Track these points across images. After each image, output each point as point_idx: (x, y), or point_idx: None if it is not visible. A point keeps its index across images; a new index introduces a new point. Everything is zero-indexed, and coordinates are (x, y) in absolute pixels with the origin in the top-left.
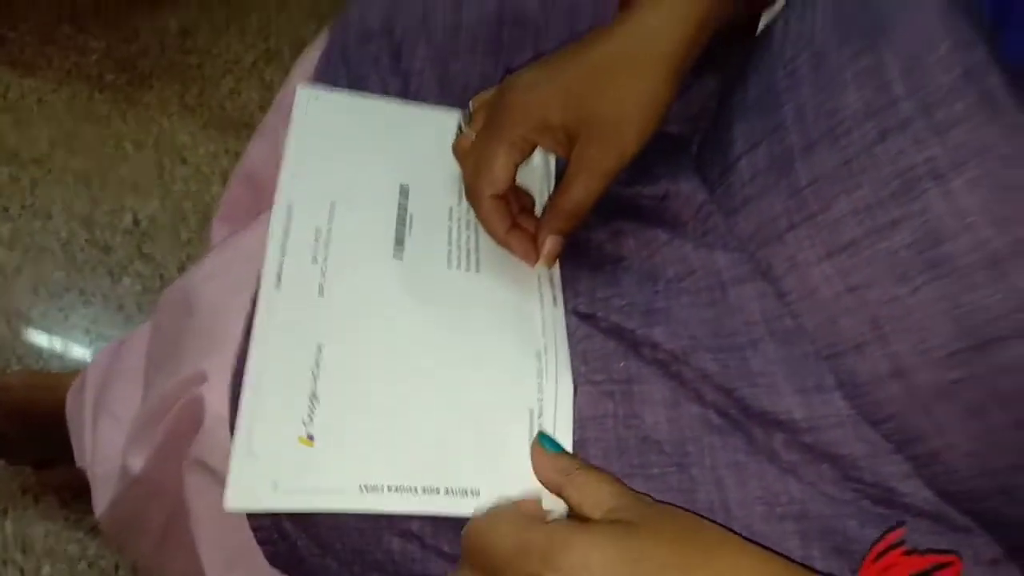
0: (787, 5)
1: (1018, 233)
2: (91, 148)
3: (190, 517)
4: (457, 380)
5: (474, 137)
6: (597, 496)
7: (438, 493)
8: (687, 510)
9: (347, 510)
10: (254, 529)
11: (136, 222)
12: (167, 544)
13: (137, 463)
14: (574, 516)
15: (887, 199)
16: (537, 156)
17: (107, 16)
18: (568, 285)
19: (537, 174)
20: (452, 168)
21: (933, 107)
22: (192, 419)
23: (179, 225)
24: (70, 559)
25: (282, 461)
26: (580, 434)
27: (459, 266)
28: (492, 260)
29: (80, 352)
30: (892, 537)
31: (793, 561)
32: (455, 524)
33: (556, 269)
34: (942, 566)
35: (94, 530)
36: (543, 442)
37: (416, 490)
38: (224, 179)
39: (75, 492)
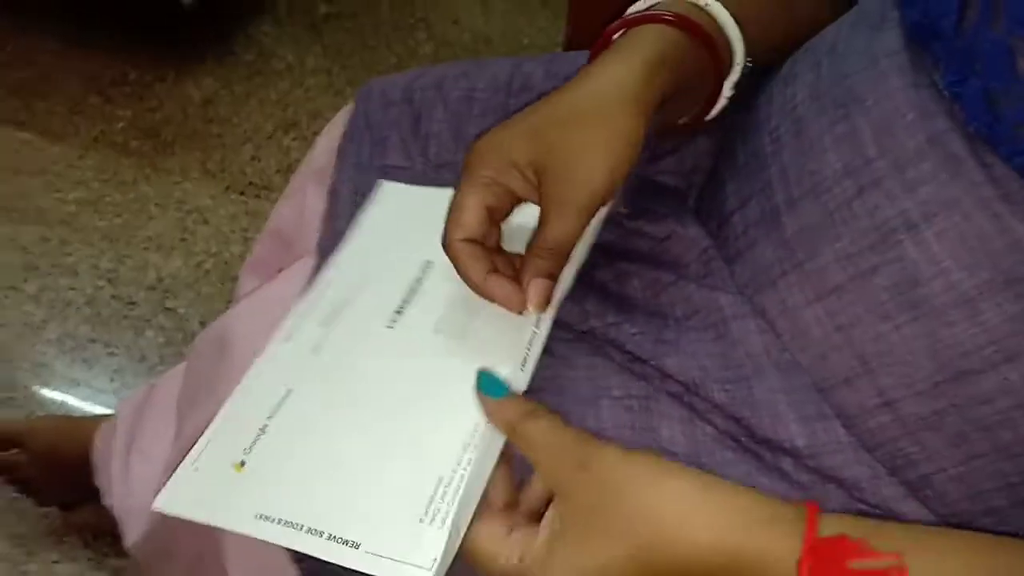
0: (771, 80)
1: (984, 276)
2: (117, 210)
3: (222, 548)
4: (386, 439)
5: None
6: (536, 454)
7: (320, 536)
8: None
9: (240, 532)
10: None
11: (159, 278)
12: (197, 574)
13: None
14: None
15: (866, 248)
16: (530, 220)
17: (133, 87)
18: (577, 306)
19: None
20: None
21: (903, 167)
22: None
23: (201, 281)
24: None
25: (213, 479)
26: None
27: (445, 332)
28: (479, 328)
29: (104, 400)
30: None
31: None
32: None
33: (541, 337)
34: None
35: (116, 571)
36: (485, 389)
37: (301, 528)
38: (244, 238)
39: (97, 532)
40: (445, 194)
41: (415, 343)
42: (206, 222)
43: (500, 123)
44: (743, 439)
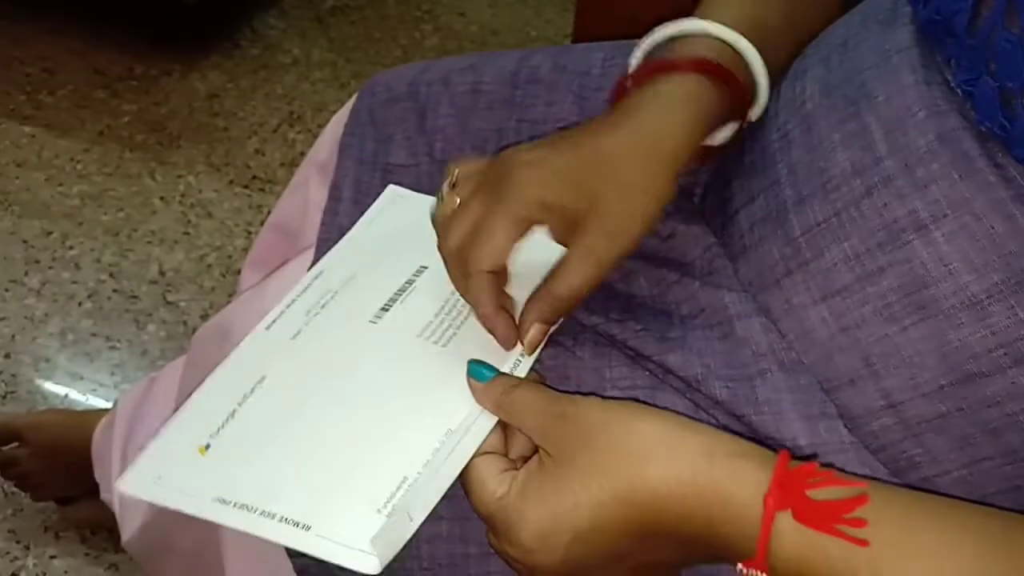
0: (779, 76)
1: (994, 278)
2: (120, 204)
3: (220, 543)
4: (355, 432)
5: (457, 204)
6: (523, 420)
7: (272, 519)
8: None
9: (197, 516)
10: None
11: (162, 272)
12: (195, 570)
13: None
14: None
15: (875, 248)
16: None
17: (139, 81)
18: (582, 307)
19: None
20: None
21: (913, 166)
22: None
23: (203, 275)
24: None
25: (175, 461)
26: None
27: (429, 338)
28: (464, 340)
29: (105, 394)
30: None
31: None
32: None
33: (524, 367)
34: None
35: (113, 566)
36: (474, 373)
37: (255, 511)
38: (247, 233)
39: (95, 528)
40: None
41: (397, 343)
42: (210, 216)
43: (534, 145)
44: (744, 436)
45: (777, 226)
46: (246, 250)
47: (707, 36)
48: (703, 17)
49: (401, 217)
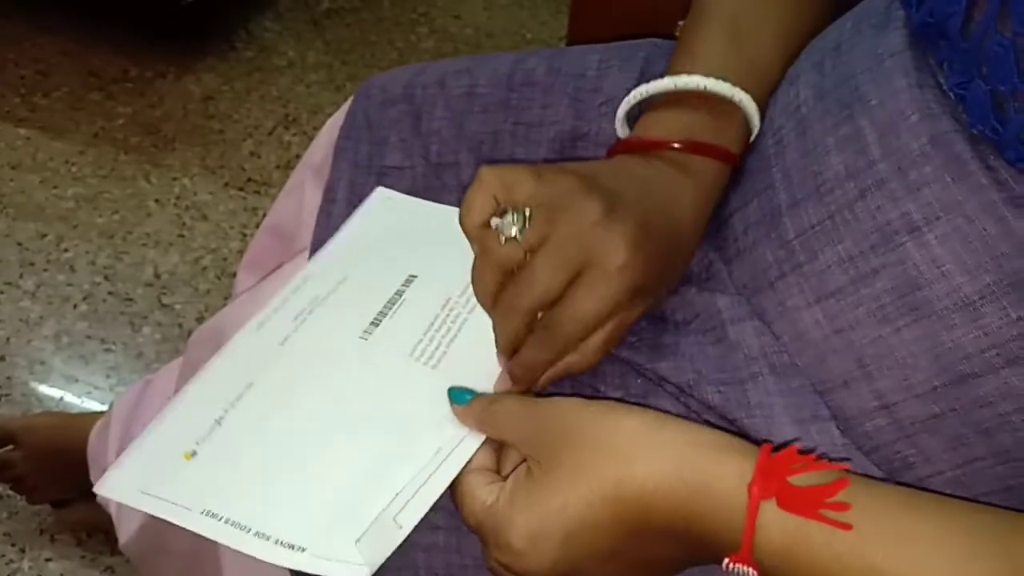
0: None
1: (987, 279)
2: (115, 206)
3: (217, 545)
4: (347, 452)
5: (525, 247)
6: (505, 432)
7: (267, 540)
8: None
9: (186, 527)
10: None
11: (157, 275)
12: (192, 571)
13: None
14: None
15: (868, 250)
16: None
17: (134, 84)
18: None
19: None
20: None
21: (906, 169)
22: None
23: (198, 277)
24: None
25: (159, 467)
26: None
27: (420, 358)
28: (454, 359)
29: (100, 397)
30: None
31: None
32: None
33: None
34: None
35: (109, 568)
36: (455, 399)
37: (249, 531)
38: (243, 235)
39: (91, 530)
40: (441, 209)
41: (387, 363)
42: (205, 218)
43: (614, 210)
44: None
45: (771, 229)
46: (241, 253)
47: (715, 95)
48: (701, 61)
49: (391, 220)
